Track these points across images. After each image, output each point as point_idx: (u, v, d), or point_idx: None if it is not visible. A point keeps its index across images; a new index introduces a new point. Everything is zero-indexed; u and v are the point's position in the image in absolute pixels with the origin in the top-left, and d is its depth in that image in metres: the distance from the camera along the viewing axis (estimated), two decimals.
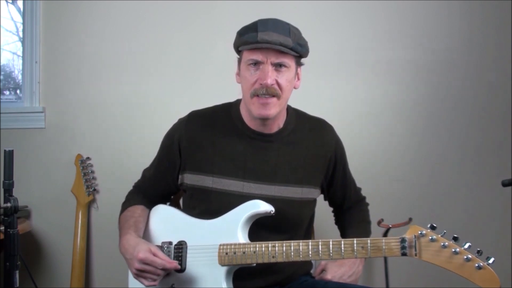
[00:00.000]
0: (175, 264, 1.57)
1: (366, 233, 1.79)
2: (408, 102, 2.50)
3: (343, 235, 1.84)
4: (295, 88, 1.69)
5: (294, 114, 1.76)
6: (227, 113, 1.74)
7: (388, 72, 2.50)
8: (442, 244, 1.37)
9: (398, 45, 2.50)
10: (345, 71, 2.52)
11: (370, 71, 2.50)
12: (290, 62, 1.60)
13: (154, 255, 1.55)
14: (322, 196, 1.84)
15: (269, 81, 1.56)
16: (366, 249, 1.45)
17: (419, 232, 1.41)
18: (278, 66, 1.59)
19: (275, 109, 1.61)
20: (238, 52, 1.67)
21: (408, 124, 2.50)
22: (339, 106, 2.51)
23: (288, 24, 1.61)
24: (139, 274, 1.57)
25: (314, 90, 2.45)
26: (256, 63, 1.59)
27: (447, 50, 2.48)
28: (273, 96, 1.59)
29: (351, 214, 1.86)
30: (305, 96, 2.02)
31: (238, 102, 1.75)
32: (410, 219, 2.18)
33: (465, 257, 1.35)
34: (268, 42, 1.54)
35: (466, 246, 1.36)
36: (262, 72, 1.57)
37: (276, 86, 1.58)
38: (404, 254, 1.42)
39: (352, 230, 1.77)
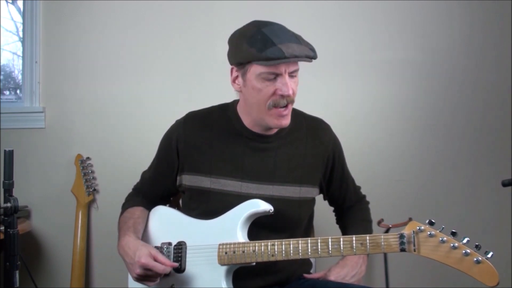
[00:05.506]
0: (174, 264, 1.59)
1: (367, 232, 1.78)
2: (408, 102, 2.49)
3: (345, 234, 1.82)
4: None
5: (292, 114, 1.75)
6: (224, 114, 1.74)
7: (388, 72, 2.50)
8: (441, 239, 1.38)
9: (398, 45, 2.50)
10: (345, 71, 2.52)
11: (370, 71, 2.50)
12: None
13: (155, 259, 1.55)
14: (321, 195, 1.83)
15: (291, 92, 1.55)
16: (365, 245, 1.45)
17: (418, 228, 1.41)
18: (291, 73, 1.57)
19: (289, 117, 1.62)
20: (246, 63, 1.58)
21: (408, 124, 2.50)
22: (339, 106, 2.51)
23: (288, 29, 1.59)
24: (140, 278, 1.58)
25: (314, 90, 2.45)
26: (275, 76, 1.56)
27: (447, 50, 2.48)
28: (289, 103, 1.59)
29: (353, 213, 1.85)
30: (305, 96, 2.01)
31: (234, 103, 1.75)
32: (410, 219, 2.15)
33: (464, 251, 1.35)
34: (296, 56, 1.51)
35: (465, 241, 1.36)
36: (281, 84, 1.54)
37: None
38: (403, 250, 1.42)
39: (354, 229, 1.76)
